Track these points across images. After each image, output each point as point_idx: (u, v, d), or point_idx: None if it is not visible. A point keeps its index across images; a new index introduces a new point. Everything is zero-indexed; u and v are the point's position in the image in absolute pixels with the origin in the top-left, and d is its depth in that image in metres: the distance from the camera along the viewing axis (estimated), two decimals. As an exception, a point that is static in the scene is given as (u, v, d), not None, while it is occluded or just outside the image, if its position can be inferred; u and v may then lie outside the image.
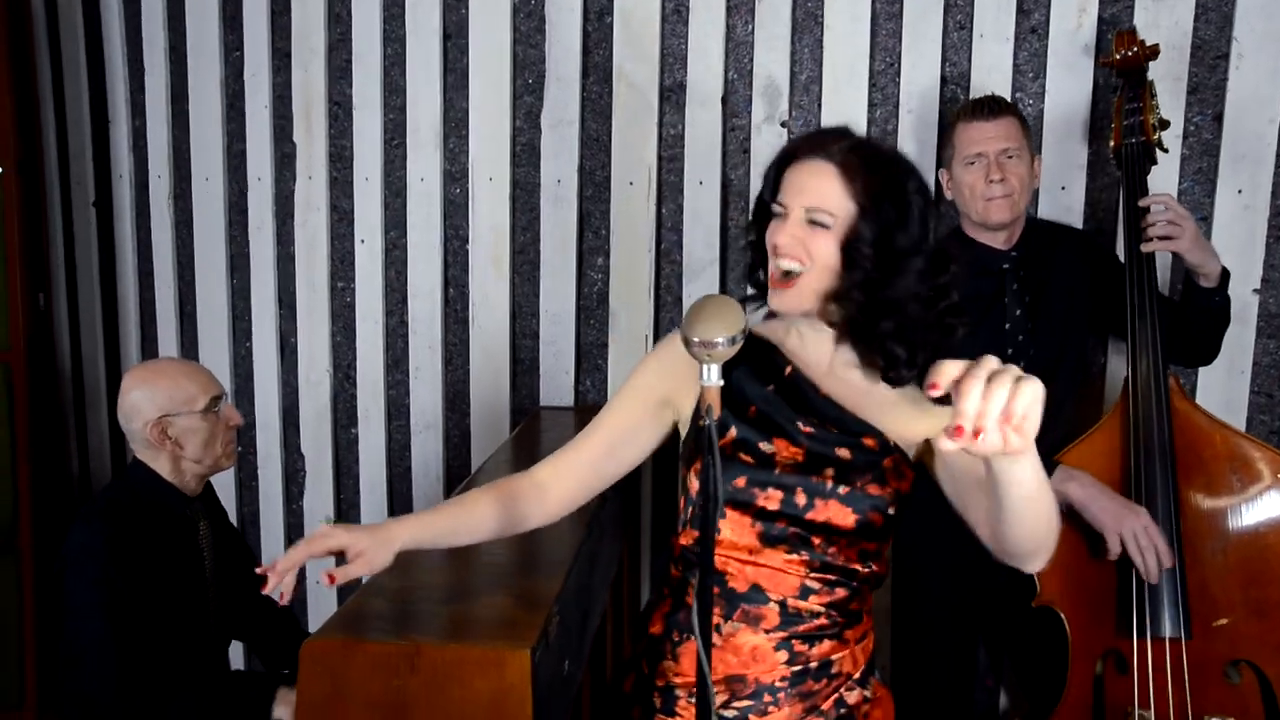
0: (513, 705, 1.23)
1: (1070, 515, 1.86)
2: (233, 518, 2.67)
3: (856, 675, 1.32)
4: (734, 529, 1.30)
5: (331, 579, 1.23)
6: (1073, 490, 1.84)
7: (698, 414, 1.30)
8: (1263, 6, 2.22)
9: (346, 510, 2.89)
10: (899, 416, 1.29)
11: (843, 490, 1.27)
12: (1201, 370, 2.28)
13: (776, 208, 1.28)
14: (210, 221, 2.87)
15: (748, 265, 1.39)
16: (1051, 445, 1.98)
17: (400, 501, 2.84)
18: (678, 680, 1.34)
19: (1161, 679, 1.83)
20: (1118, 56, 2.05)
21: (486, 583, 1.51)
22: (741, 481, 1.30)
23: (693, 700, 1.31)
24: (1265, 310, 2.29)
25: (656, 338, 2.62)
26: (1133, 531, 1.78)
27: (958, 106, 2.09)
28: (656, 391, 1.37)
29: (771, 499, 1.28)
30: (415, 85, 2.68)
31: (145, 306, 2.97)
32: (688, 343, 1.05)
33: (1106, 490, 1.85)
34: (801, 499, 1.27)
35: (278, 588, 1.23)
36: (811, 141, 1.29)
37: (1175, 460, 1.86)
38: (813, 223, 1.24)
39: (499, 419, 2.74)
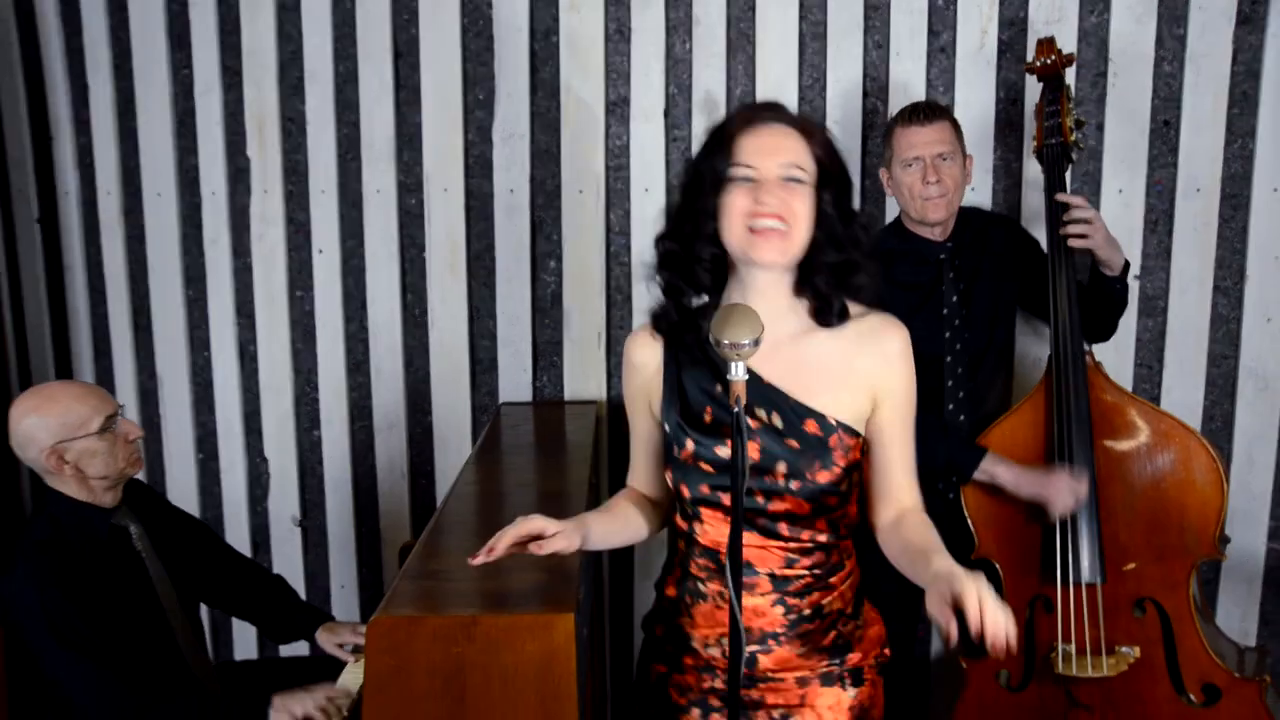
0: (560, 664, 1.42)
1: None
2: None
3: (849, 610, 1.52)
4: (713, 525, 1.48)
5: (540, 548, 1.38)
6: (1000, 474, 2.14)
7: (663, 410, 1.50)
8: (1131, 33, 2.55)
9: (312, 509, 3.00)
10: (835, 390, 1.43)
11: (794, 485, 1.42)
12: (1095, 348, 2.60)
13: (744, 170, 1.37)
14: (163, 236, 2.92)
15: (683, 238, 1.44)
16: (984, 417, 2.27)
17: (365, 498, 2.97)
18: (694, 634, 1.54)
19: (1080, 617, 2.13)
20: (1038, 64, 2.28)
21: (511, 560, 1.68)
22: (705, 489, 1.45)
23: (708, 648, 1.52)
24: (1144, 293, 2.63)
25: (609, 334, 2.83)
26: (1058, 489, 2.08)
27: (895, 112, 2.32)
28: (641, 399, 1.57)
29: None
30: (368, 101, 2.80)
31: (97, 321, 3.00)
32: (718, 343, 1.24)
33: (1026, 469, 2.15)
34: (760, 498, 1.43)
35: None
36: (762, 110, 1.43)
37: (1092, 428, 2.15)
38: (791, 180, 1.36)
39: (460, 416, 2.90)
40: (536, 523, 1.39)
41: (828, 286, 1.42)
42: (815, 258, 1.41)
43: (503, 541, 1.37)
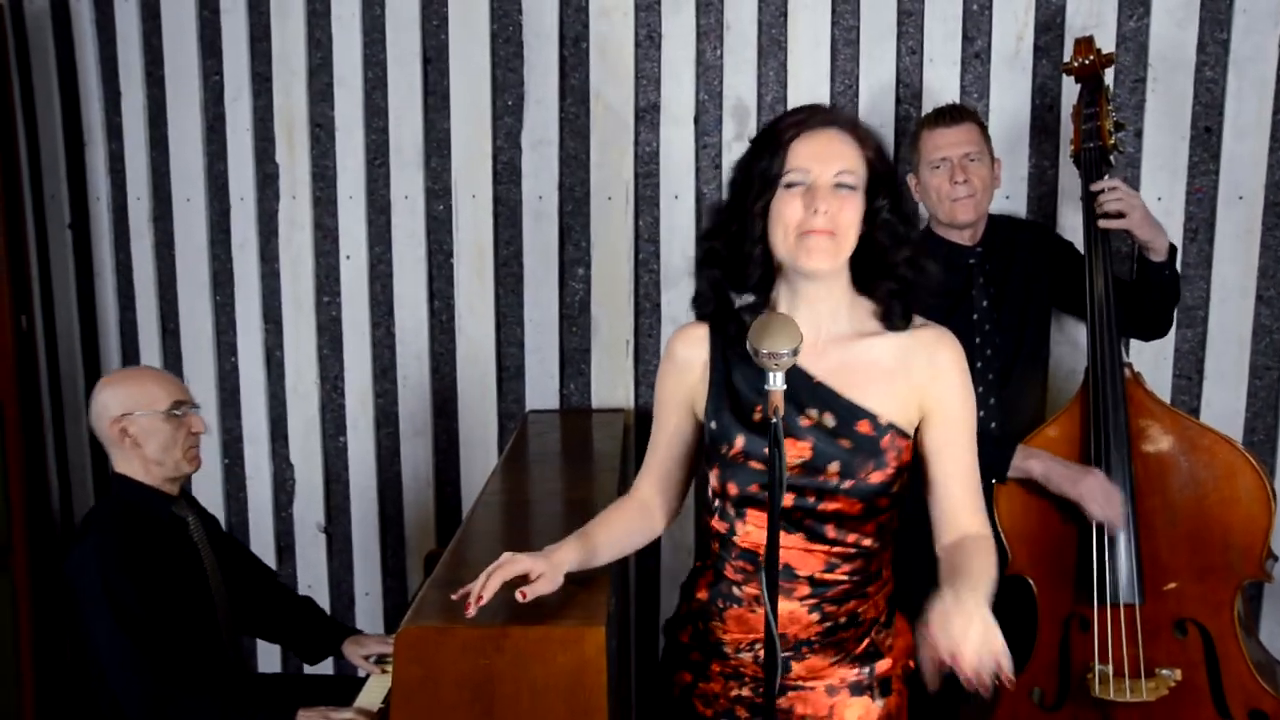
0: (590, 677, 1.39)
1: (1037, 488, 2.10)
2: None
3: (882, 619, 1.50)
4: (755, 526, 1.45)
5: (524, 595, 1.40)
6: (1033, 467, 2.08)
7: (709, 408, 1.48)
8: (1172, 37, 2.51)
9: (337, 516, 2.99)
10: (885, 392, 1.42)
11: (847, 484, 1.40)
12: (1133, 359, 2.55)
13: (797, 175, 1.37)
14: (192, 241, 2.93)
15: (729, 237, 1.43)
16: (1017, 426, 2.23)
17: (391, 505, 2.95)
18: (725, 638, 1.51)
19: (1119, 638, 2.07)
20: (1076, 64, 2.23)
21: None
22: (755, 487, 1.43)
23: (739, 653, 1.50)
24: (1183, 303, 2.56)
25: (637, 342, 2.80)
26: (1091, 490, 2.03)
27: (921, 117, 2.30)
28: (680, 396, 1.55)
29: (786, 500, 1.40)
30: (397, 107, 2.80)
31: (126, 326, 3.01)
32: (756, 353, 1.22)
33: (1061, 461, 2.09)
34: (812, 498, 1.42)
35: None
36: (814, 114, 1.41)
37: (1130, 442, 2.10)
38: (842, 186, 1.36)
39: (487, 423, 2.88)
40: (522, 563, 1.42)
41: (896, 288, 1.43)
42: (880, 260, 1.42)
43: (489, 586, 1.39)
